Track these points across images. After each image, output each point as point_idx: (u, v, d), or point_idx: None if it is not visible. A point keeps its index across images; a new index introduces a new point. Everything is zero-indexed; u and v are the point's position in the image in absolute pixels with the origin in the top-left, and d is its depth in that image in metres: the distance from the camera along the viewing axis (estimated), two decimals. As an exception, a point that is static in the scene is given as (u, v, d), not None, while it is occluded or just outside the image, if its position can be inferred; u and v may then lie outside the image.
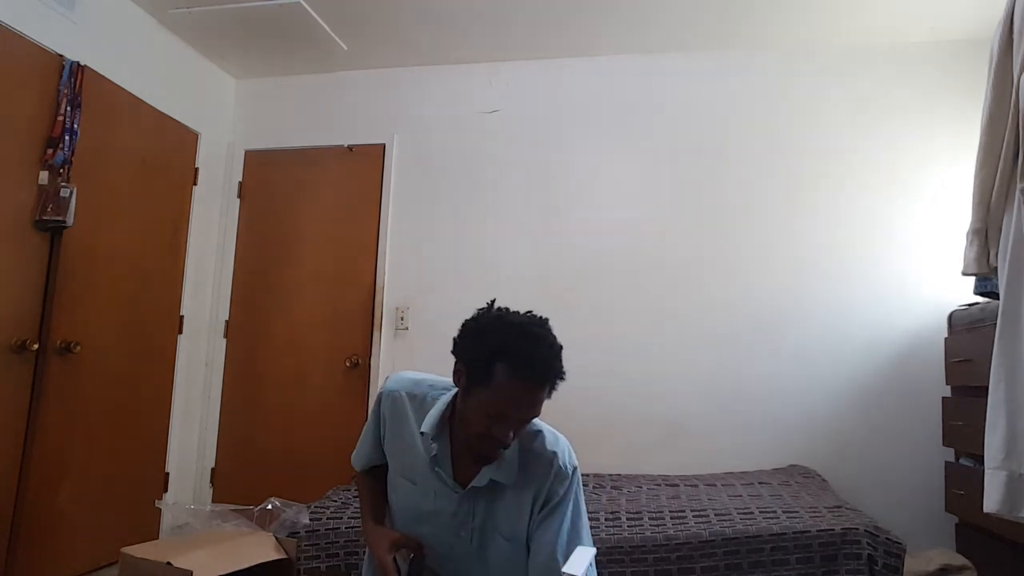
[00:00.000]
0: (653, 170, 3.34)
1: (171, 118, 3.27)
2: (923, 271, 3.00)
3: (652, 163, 3.35)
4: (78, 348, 2.66)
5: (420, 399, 1.34)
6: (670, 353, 3.17)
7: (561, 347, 1.21)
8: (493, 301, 1.26)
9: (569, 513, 1.28)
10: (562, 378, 1.20)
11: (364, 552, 2.12)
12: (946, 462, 2.69)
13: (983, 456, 1.54)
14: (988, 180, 1.61)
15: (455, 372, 1.24)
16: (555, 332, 1.24)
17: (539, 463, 1.27)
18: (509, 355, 1.15)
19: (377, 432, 1.41)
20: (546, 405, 1.41)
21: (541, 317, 1.24)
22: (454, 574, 1.33)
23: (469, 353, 1.20)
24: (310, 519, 2.22)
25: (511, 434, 1.19)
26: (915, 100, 3.13)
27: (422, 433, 1.28)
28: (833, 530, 2.00)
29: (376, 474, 1.45)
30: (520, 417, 1.19)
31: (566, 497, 1.28)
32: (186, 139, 3.41)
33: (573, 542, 1.26)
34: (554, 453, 1.28)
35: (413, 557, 1.27)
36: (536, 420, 1.32)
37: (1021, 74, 1.50)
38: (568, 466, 1.29)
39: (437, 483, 1.29)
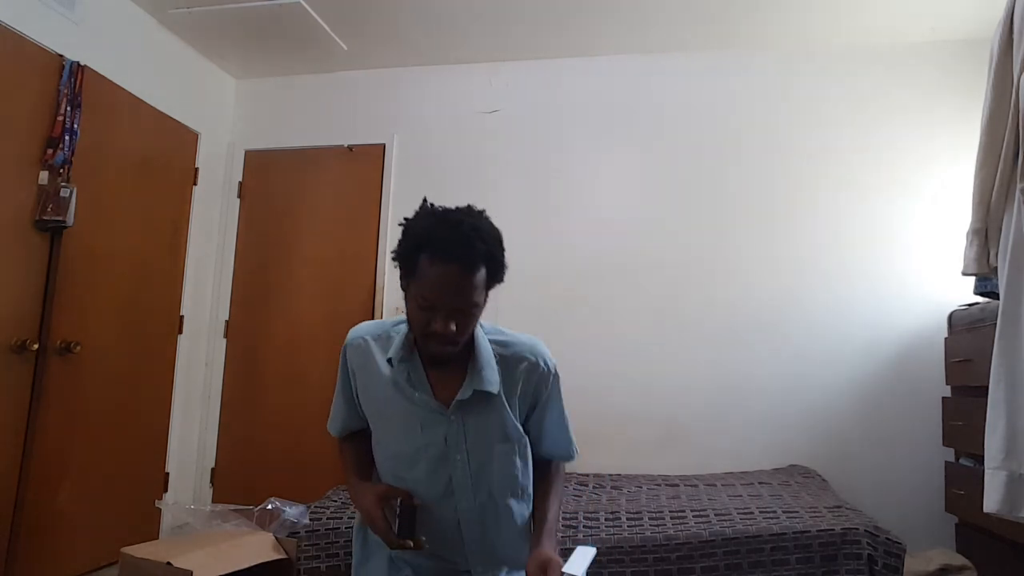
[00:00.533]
0: (653, 170, 3.34)
1: (171, 118, 3.27)
2: (923, 271, 3.00)
3: (652, 163, 3.35)
4: (78, 348, 2.66)
5: (384, 338, 1.31)
6: (670, 353, 3.17)
7: (490, 232, 1.16)
8: (425, 199, 1.23)
9: (560, 407, 1.38)
10: (495, 262, 1.17)
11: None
12: (946, 462, 2.69)
13: (983, 456, 1.54)
14: (988, 180, 1.61)
15: (400, 278, 1.23)
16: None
17: (521, 367, 1.29)
18: (428, 242, 1.13)
19: (348, 389, 1.37)
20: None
21: (475, 208, 1.21)
22: (454, 514, 1.28)
23: (399, 250, 1.19)
24: (310, 519, 2.22)
25: (452, 326, 1.15)
26: (915, 100, 3.13)
27: (389, 360, 1.26)
28: (833, 530, 2.00)
29: (359, 438, 1.41)
30: (450, 304, 1.14)
31: (552, 395, 1.35)
32: (186, 139, 3.41)
33: (564, 430, 1.39)
34: (535, 356, 1.31)
35: (403, 503, 1.21)
36: (507, 329, 1.34)
37: (1021, 74, 1.51)
38: (551, 366, 1.34)
39: (421, 413, 1.25)
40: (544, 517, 1.30)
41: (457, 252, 1.12)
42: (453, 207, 1.20)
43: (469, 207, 1.21)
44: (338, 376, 1.39)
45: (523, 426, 1.33)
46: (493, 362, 1.27)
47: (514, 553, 1.31)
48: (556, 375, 1.35)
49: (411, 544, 1.18)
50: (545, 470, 1.39)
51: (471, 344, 1.26)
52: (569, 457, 1.42)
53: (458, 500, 1.27)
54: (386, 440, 1.32)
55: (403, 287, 1.21)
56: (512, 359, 1.29)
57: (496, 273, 1.18)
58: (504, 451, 1.29)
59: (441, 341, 1.17)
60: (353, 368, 1.34)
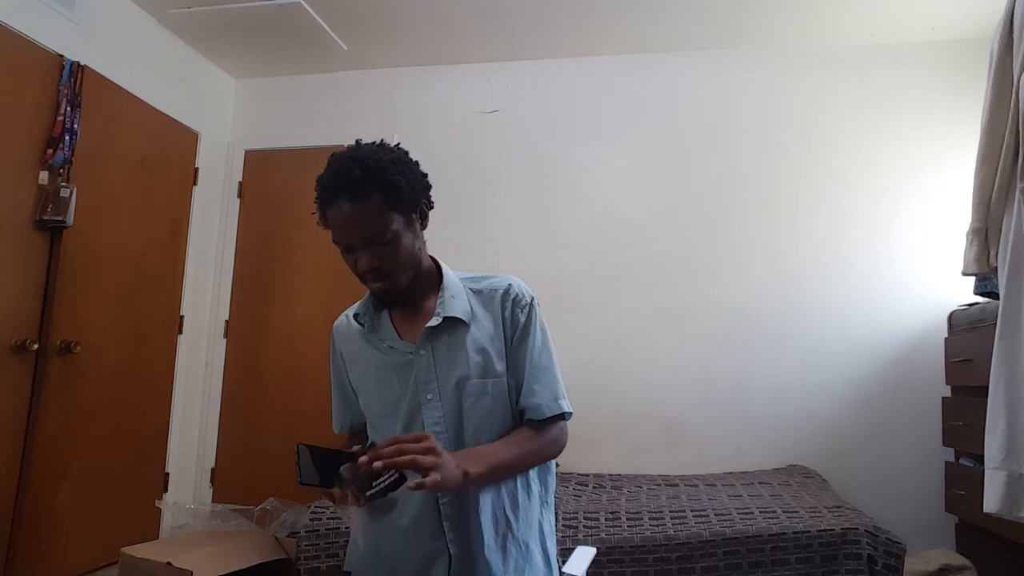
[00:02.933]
0: (653, 170, 3.34)
1: (171, 118, 3.27)
2: (923, 271, 3.00)
3: (652, 163, 3.35)
4: (78, 348, 2.66)
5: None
6: (670, 353, 3.17)
7: (371, 157, 1.12)
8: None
9: (541, 341, 1.24)
10: (388, 184, 1.11)
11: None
12: (946, 462, 2.69)
13: (983, 456, 1.54)
14: (988, 180, 1.61)
15: None
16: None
17: (495, 296, 1.24)
18: (320, 190, 1.15)
19: (340, 375, 1.34)
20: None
21: (368, 141, 1.19)
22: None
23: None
24: (310, 519, 2.22)
25: (377, 262, 1.14)
26: (916, 100, 3.13)
27: (356, 318, 1.25)
28: (833, 530, 2.00)
29: (361, 439, 1.35)
30: (358, 239, 1.13)
31: (530, 323, 1.24)
32: (186, 139, 3.41)
33: (548, 371, 1.22)
34: (508, 284, 1.26)
35: (298, 445, 1.07)
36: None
37: (1021, 74, 1.51)
38: (526, 294, 1.26)
39: (392, 360, 1.21)
40: (488, 443, 1.15)
41: (338, 186, 1.11)
42: None
43: (357, 141, 1.19)
44: (331, 370, 1.37)
45: (504, 360, 1.22)
46: (464, 294, 1.23)
47: (499, 525, 1.17)
48: (534, 305, 1.26)
49: (334, 494, 1.06)
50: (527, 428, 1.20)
51: (438, 279, 1.25)
52: (555, 408, 1.19)
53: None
54: (371, 406, 1.27)
55: None
56: (486, 291, 1.25)
57: (396, 195, 1.12)
58: (478, 388, 1.18)
59: (374, 278, 1.16)
60: (340, 350, 1.33)
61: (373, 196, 1.11)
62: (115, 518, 2.87)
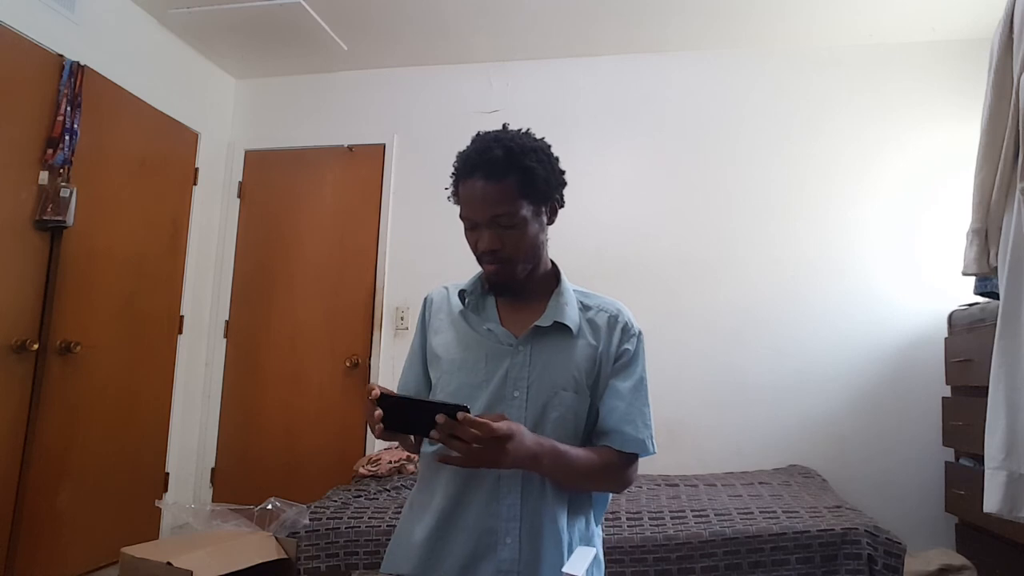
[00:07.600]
0: (653, 170, 3.34)
1: (171, 118, 3.27)
2: (923, 271, 3.00)
3: (652, 163, 3.35)
4: (78, 348, 2.66)
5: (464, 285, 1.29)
6: (670, 353, 3.16)
7: (514, 141, 1.14)
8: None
9: (641, 376, 1.22)
10: (525, 171, 1.12)
11: (363, 552, 2.12)
12: (946, 462, 2.69)
13: (983, 456, 1.54)
14: (988, 180, 1.61)
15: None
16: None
17: (604, 317, 1.23)
18: (458, 164, 1.17)
19: (421, 341, 1.31)
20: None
21: (515, 128, 1.22)
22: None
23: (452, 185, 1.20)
24: (310, 519, 2.22)
25: (498, 244, 1.13)
26: (916, 100, 3.13)
27: (461, 293, 1.24)
28: (833, 530, 2.00)
29: None
30: (485, 217, 1.13)
31: (637, 355, 1.23)
32: (186, 139, 3.41)
33: (639, 403, 1.20)
34: (618, 310, 1.25)
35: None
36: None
37: (1021, 74, 1.51)
38: (634, 324, 1.25)
39: (488, 344, 1.19)
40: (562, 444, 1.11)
41: (476, 163, 1.13)
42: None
43: (505, 126, 1.22)
44: (415, 331, 1.35)
45: (596, 384, 1.20)
46: (576, 304, 1.23)
47: (554, 533, 1.14)
48: (640, 340, 1.24)
49: (410, 440, 1.11)
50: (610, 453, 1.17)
51: (554, 283, 1.25)
52: (648, 448, 1.18)
53: None
54: (447, 383, 1.21)
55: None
56: (595, 309, 1.24)
57: (530, 183, 1.13)
58: (567, 400, 1.16)
59: (491, 259, 1.16)
60: (429, 318, 1.31)
61: (508, 178, 1.12)
62: (115, 518, 2.87)
